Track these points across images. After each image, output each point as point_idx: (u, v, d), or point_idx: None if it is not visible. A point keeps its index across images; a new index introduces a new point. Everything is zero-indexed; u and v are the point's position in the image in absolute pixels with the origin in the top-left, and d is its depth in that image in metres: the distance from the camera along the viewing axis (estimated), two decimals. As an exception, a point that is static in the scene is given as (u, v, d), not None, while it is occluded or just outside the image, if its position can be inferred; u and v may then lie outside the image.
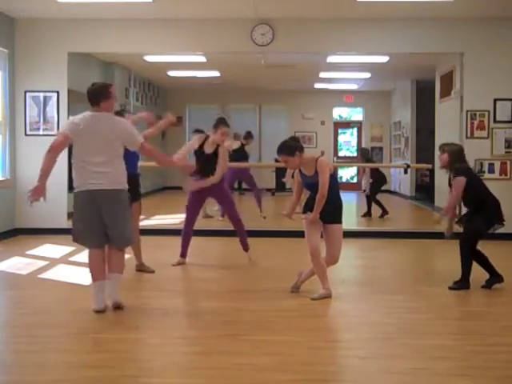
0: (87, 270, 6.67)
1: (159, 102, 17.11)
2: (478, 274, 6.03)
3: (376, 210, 11.43)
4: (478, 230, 6.02)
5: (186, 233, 7.19)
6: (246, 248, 7.20)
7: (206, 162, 6.85)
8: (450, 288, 5.96)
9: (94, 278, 5.08)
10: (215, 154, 6.90)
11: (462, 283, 5.96)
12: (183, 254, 7.16)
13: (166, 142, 17.39)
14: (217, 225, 10.57)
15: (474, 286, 5.99)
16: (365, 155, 11.99)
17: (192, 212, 7.13)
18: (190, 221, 7.15)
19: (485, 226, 6.04)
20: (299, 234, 7.69)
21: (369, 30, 9.09)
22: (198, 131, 11.39)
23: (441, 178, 12.13)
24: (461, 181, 5.97)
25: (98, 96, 5.03)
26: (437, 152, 12.41)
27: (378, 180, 11.67)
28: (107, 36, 9.23)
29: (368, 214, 11.54)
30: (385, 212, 11.44)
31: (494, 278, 6.04)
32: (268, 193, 15.09)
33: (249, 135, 12.25)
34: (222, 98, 17.38)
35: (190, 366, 3.96)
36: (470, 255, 6.01)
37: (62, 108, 9.20)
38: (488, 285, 6.03)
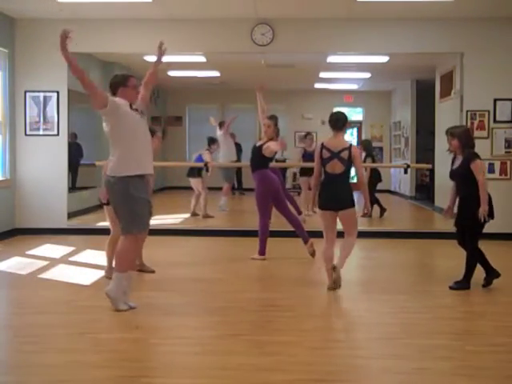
0: (87, 270, 6.70)
1: (159, 102, 17.10)
2: (479, 273, 6.02)
3: (376, 210, 11.40)
4: (480, 226, 5.93)
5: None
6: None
7: None
8: (451, 288, 5.95)
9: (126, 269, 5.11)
10: None
11: (463, 283, 5.95)
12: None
13: (166, 142, 17.39)
14: (217, 225, 10.57)
15: (474, 286, 5.99)
16: (367, 148, 11.81)
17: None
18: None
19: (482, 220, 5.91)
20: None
21: (369, 30, 9.09)
22: (212, 140, 11.49)
23: (441, 178, 12.15)
24: (481, 163, 5.92)
25: (113, 86, 5.14)
26: (437, 152, 12.48)
27: (373, 178, 11.59)
28: (107, 36, 9.22)
29: (368, 214, 11.47)
30: (383, 210, 11.37)
31: (491, 274, 6.04)
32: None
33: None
34: (221, 97, 17.37)
35: (190, 366, 3.96)
36: (477, 254, 5.98)
37: (62, 108, 9.20)
38: (487, 283, 6.02)
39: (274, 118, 7.62)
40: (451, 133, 6.11)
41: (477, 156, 5.96)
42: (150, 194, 5.67)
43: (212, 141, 11.44)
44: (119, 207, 5.11)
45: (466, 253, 6.01)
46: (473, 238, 5.97)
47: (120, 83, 5.14)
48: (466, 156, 5.96)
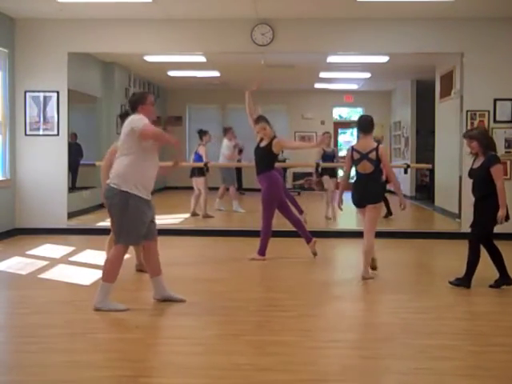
0: (87, 270, 6.70)
1: (159, 102, 17.07)
2: (480, 274, 6.01)
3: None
4: (490, 225, 5.95)
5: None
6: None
7: None
8: (450, 283, 5.95)
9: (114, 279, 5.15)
10: None
11: (464, 281, 5.95)
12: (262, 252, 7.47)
13: (166, 142, 17.37)
14: (217, 225, 10.57)
15: (475, 286, 5.98)
16: None
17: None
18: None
19: (494, 219, 5.91)
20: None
21: (369, 30, 9.09)
22: (202, 132, 11.47)
23: (441, 178, 12.16)
24: (501, 168, 5.93)
25: (133, 104, 5.29)
26: (437, 152, 12.47)
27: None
28: (107, 36, 9.22)
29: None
30: (389, 213, 11.31)
31: (504, 279, 6.02)
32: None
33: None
34: (221, 97, 17.37)
35: (190, 366, 3.95)
36: (479, 254, 5.97)
37: (62, 108, 9.20)
38: (496, 285, 6.00)
39: (262, 119, 7.54)
40: (469, 136, 6.11)
41: (498, 160, 5.96)
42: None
43: (203, 133, 11.36)
44: (115, 216, 5.16)
45: (467, 251, 6.01)
46: (479, 238, 5.98)
47: (139, 101, 5.29)
48: (487, 158, 5.95)
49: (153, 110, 5.36)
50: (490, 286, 5.99)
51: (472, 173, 6.13)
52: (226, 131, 12.54)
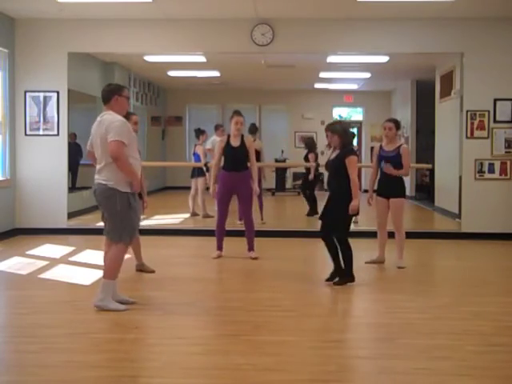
0: (87, 270, 6.70)
1: (159, 102, 17.09)
2: (480, 274, 6.02)
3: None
4: (349, 218, 6.07)
5: (220, 227, 7.51)
6: (250, 248, 7.44)
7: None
8: (335, 284, 6.04)
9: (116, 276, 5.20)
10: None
11: (347, 277, 6.05)
12: (220, 248, 7.49)
13: (166, 142, 17.40)
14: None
15: (472, 287, 5.98)
16: (310, 146, 11.60)
17: (225, 207, 7.45)
18: (222, 215, 7.45)
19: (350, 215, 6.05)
20: (300, 235, 7.72)
21: (369, 29, 9.08)
22: (199, 131, 11.46)
23: (441, 178, 12.17)
24: (355, 160, 6.08)
25: (109, 93, 5.18)
26: (437, 152, 12.45)
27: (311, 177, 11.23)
28: (107, 36, 9.22)
29: (313, 213, 10.82)
30: (312, 211, 10.82)
31: (339, 272, 6.10)
32: (268, 193, 15.08)
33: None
34: (221, 97, 17.36)
35: (190, 366, 3.96)
36: (349, 246, 6.07)
37: (62, 108, 9.20)
38: (330, 278, 6.09)
39: (239, 113, 7.48)
40: (332, 130, 6.27)
41: (353, 152, 6.15)
42: (145, 193, 6.20)
43: (200, 132, 11.29)
44: (116, 216, 5.09)
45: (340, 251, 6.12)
46: (342, 231, 6.08)
47: (115, 91, 5.19)
48: (342, 150, 6.13)
49: (127, 104, 5.27)
50: (326, 280, 6.08)
51: (328, 164, 6.31)
52: (217, 128, 12.33)
